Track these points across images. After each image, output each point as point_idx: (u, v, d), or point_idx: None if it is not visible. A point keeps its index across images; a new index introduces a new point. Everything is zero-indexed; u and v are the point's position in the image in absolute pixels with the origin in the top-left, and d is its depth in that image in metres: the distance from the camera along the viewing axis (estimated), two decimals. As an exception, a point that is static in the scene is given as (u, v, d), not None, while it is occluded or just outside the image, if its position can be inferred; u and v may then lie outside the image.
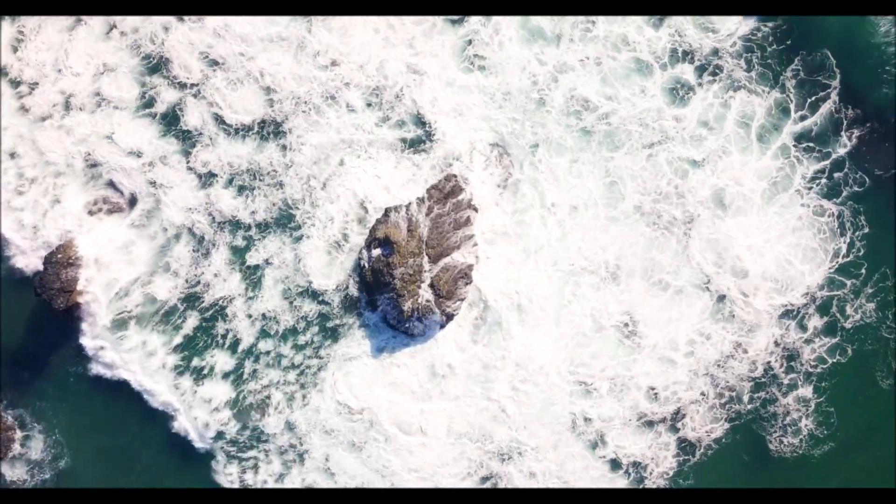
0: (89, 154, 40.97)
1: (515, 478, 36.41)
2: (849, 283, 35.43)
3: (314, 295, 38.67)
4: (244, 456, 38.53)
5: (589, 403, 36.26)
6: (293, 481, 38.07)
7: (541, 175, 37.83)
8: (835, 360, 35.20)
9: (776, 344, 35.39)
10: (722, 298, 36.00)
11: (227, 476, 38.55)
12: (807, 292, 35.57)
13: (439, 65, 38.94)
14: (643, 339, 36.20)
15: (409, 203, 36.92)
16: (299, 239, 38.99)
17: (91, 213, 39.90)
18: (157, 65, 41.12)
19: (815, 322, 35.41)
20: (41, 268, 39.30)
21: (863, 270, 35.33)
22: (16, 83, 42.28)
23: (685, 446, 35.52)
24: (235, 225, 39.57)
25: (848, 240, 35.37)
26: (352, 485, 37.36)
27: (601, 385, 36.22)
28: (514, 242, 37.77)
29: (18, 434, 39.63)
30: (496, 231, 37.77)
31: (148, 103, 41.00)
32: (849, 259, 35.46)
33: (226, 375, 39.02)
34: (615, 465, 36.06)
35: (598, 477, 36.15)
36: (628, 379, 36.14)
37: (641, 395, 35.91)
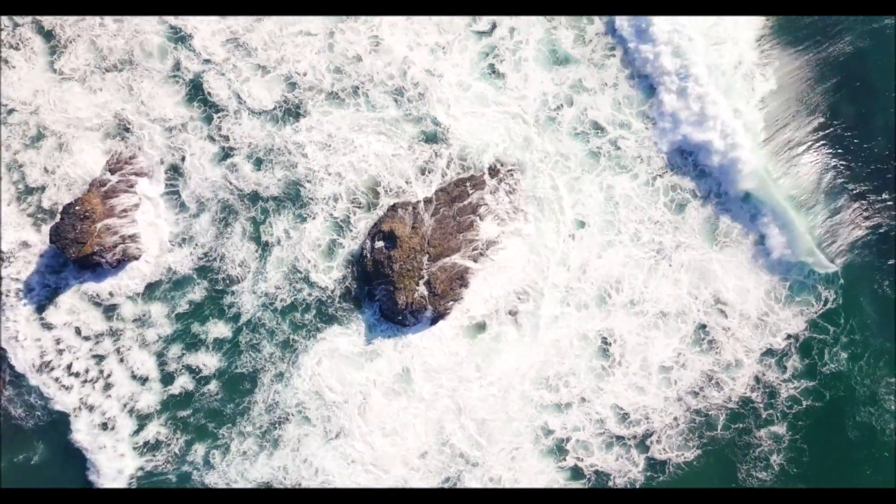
0: (116, 114, 42.43)
1: (474, 484, 36.90)
2: (831, 329, 35.95)
3: (316, 277, 39.71)
4: (218, 433, 39.39)
5: (558, 419, 37.08)
6: (260, 464, 38.75)
7: (545, 191, 38.99)
8: (809, 404, 35.58)
9: (756, 380, 35.99)
10: (703, 328, 36.90)
11: (191, 455, 39.37)
12: (789, 336, 36.21)
13: (459, 72, 40.41)
14: (620, 362, 37.05)
15: (417, 202, 38.39)
16: (306, 218, 40.23)
17: (112, 171, 41.13)
18: (182, 37, 42.81)
19: (795, 363, 36.06)
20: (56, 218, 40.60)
21: (841, 320, 35.90)
22: (48, 36, 43.92)
23: (654, 464, 36.21)
24: (253, 198, 40.89)
25: (836, 287, 36.14)
26: (314, 475, 37.97)
27: (573, 402, 37.04)
28: (513, 253, 38.71)
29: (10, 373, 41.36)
30: (496, 239, 38.78)
31: (176, 67, 42.64)
32: (831, 307, 36.09)
33: (219, 346, 40.11)
34: (577, 474, 36.67)
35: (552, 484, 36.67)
36: (600, 398, 36.85)
37: (612, 415, 36.70)
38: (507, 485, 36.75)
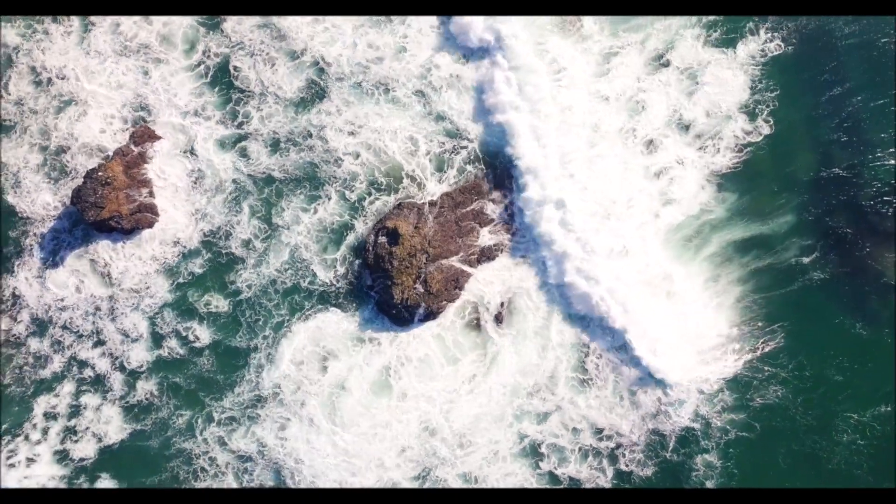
0: (136, 93, 44.13)
1: (451, 483, 38.28)
2: (766, 368, 36.93)
3: (320, 264, 41.34)
4: (206, 401, 41.03)
5: (537, 425, 38.39)
6: (238, 436, 40.36)
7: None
8: (740, 434, 36.56)
9: (696, 413, 36.99)
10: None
11: (176, 419, 40.96)
12: (721, 377, 37.16)
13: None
14: (597, 376, 38.32)
15: (423, 203, 40.35)
16: (318, 198, 41.83)
17: (136, 143, 42.81)
18: (215, 23, 44.52)
19: (726, 398, 36.99)
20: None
21: (780, 358, 36.95)
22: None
23: (621, 475, 37.47)
24: (268, 180, 42.42)
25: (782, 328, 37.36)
26: (286, 456, 39.43)
27: (551, 410, 38.35)
28: (508, 260, 40.36)
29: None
30: (494, 247, 40.31)
31: (204, 50, 44.41)
32: (772, 347, 37.23)
33: (215, 321, 41.68)
34: (552, 479, 37.80)
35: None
36: (576, 410, 38.16)
37: (587, 426, 38.09)
38: (481, 484, 38.29)
